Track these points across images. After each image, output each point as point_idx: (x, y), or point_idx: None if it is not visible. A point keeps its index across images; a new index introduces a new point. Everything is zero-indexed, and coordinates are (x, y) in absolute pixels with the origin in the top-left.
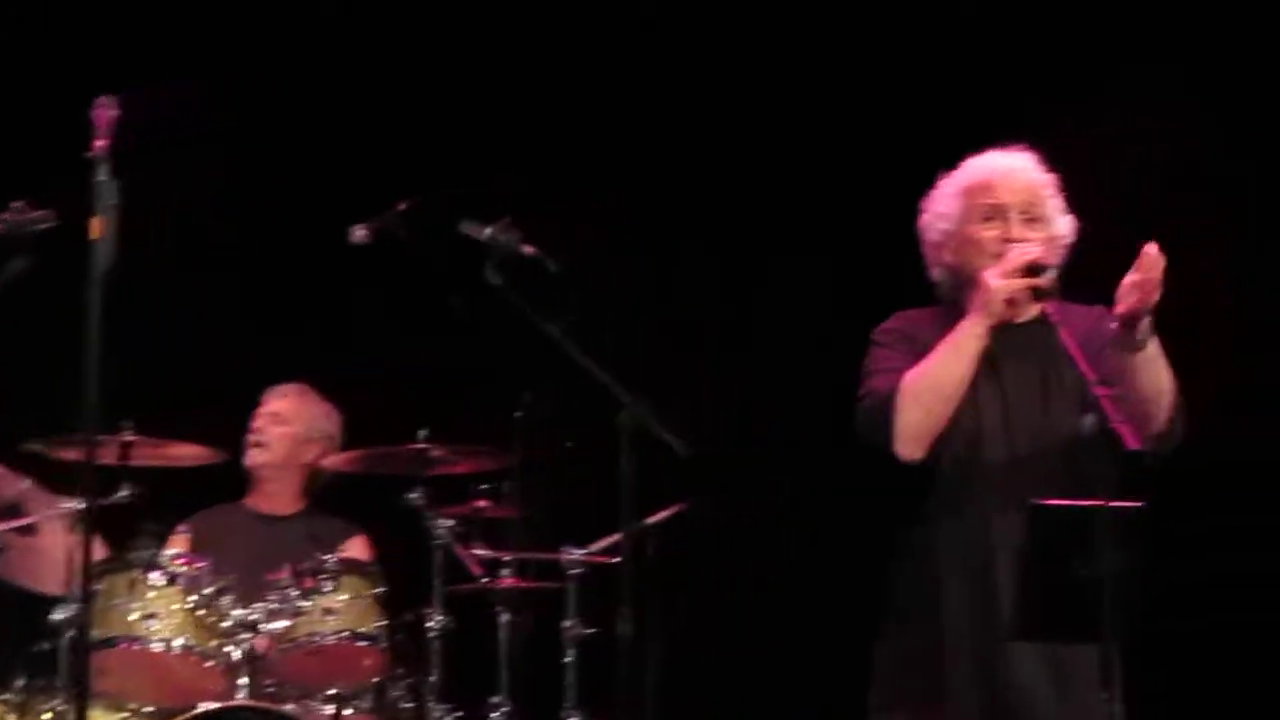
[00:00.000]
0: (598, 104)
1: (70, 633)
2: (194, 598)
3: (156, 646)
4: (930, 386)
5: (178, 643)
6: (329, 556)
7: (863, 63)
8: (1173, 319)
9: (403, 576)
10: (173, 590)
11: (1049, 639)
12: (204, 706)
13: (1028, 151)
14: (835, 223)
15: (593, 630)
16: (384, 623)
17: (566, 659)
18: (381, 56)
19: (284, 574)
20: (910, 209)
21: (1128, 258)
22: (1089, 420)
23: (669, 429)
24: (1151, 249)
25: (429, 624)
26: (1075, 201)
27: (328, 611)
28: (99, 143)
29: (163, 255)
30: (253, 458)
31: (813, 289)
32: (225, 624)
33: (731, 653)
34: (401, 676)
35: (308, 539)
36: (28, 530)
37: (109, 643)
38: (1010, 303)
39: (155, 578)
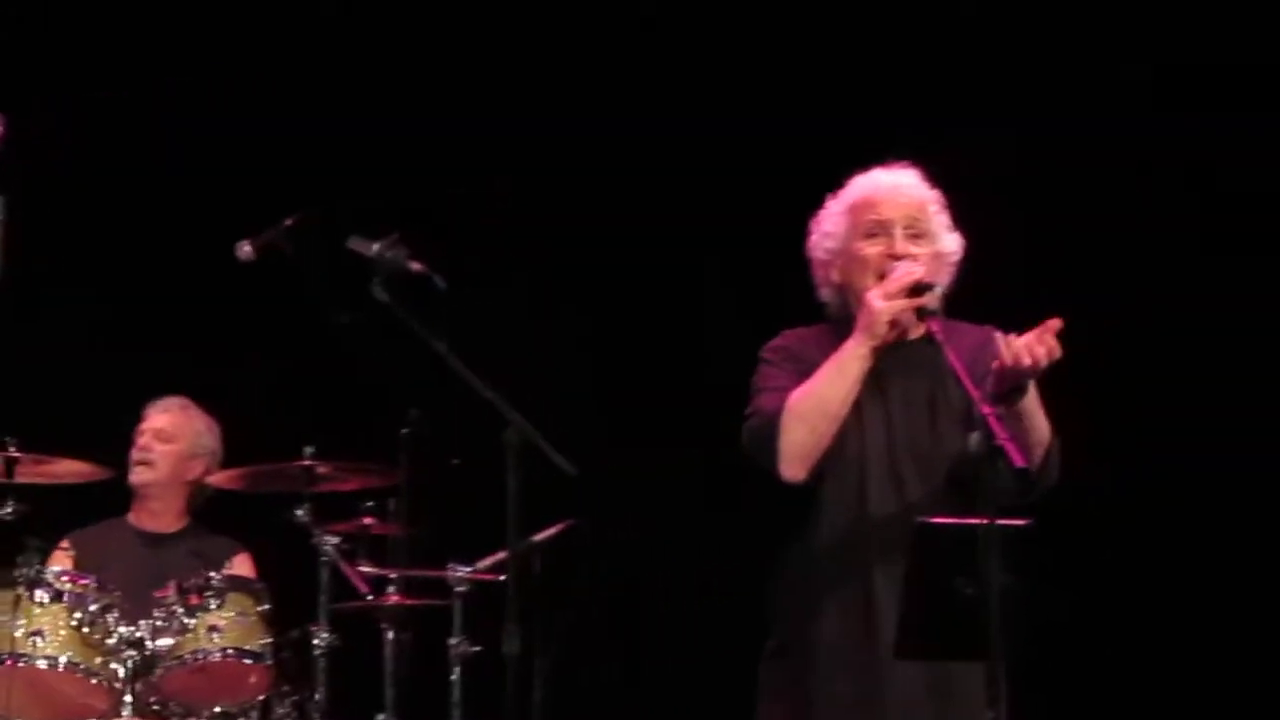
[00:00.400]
0: (480, 122)
1: None
2: (79, 615)
3: (42, 664)
4: (814, 407)
5: (63, 660)
6: (214, 574)
7: (744, 79)
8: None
9: (288, 593)
10: (58, 607)
11: (933, 657)
12: None
13: (912, 168)
14: (718, 239)
15: (478, 648)
16: (270, 640)
17: (452, 677)
18: (266, 67)
19: (169, 591)
20: (799, 227)
21: (1016, 275)
22: (975, 438)
23: (554, 447)
24: (1056, 323)
25: (315, 641)
26: (961, 219)
27: (213, 629)
28: None
29: (44, 270)
30: (139, 475)
31: (704, 303)
32: (110, 641)
33: (617, 670)
34: (287, 694)
35: (192, 556)
36: None
37: None
38: (894, 323)
39: (40, 595)
